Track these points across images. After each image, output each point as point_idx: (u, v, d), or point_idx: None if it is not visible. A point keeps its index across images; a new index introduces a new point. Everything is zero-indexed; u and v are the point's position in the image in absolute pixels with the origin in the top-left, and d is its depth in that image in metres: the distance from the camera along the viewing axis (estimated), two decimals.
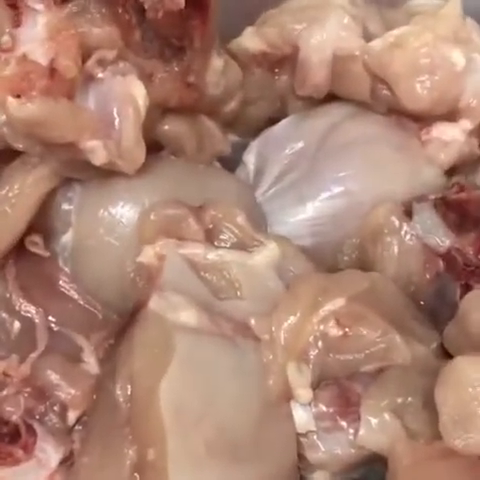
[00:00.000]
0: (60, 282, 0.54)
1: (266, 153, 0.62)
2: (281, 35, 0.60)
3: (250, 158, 0.62)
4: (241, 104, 0.60)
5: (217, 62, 0.56)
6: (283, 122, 0.63)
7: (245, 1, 0.63)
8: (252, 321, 0.50)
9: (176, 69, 0.54)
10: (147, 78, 0.53)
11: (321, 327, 0.49)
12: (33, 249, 0.55)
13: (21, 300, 0.53)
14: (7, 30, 0.52)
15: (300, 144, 0.61)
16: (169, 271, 0.51)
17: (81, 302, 0.54)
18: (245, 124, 0.64)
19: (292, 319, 0.50)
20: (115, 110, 0.52)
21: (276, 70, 0.62)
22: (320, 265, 0.56)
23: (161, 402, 0.44)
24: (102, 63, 0.52)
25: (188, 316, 0.48)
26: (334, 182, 0.59)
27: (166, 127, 0.56)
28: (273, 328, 0.50)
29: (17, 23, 0.52)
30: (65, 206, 0.55)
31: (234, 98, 0.59)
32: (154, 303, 0.48)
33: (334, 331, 0.49)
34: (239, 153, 0.63)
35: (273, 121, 0.64)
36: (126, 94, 0.52)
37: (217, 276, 0.52)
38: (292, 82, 0.61)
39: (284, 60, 0.61)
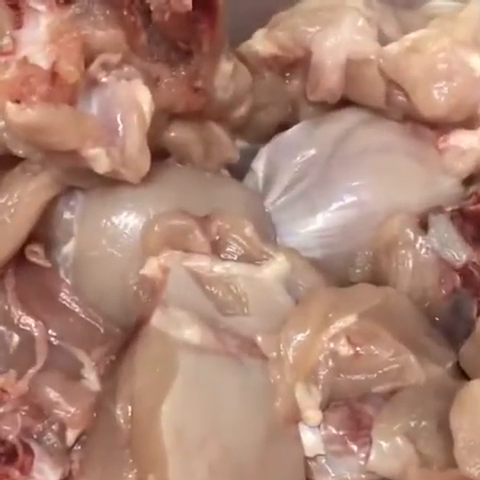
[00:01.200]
0: (61, 294, 0.52)
1: (276, 160, 0.60)
2: (293, 38, 0.58)
3: (259, 165, 0.60)
4: (250, 109, 0.58)
5: (226, 66, 0.54)
6: (294, 128, 0.61)
7: (255, 3, 0.61)
8: (259, 338, 0.48)
9: (183, 73, 0.52)
10: (153, 83, 0.51)
11: (331, 345, 0.47)
12: (33, 259, 0.53)
13: (20, 312, 0.51)
14: (8, 32, 0.50)
15: (312, 151, 0.59)
16: (173, 285, 0.49)
17: (82, 315, 0.52)
18: (254, 130, 0.61)
19: (301, 336, 0.48)
20: (119, 116, 0.50)
21: (287, 74, 0.60)
22: (331, 278, 0.54)
23: (162, 424, 0.43)
24: (106, 67, 0.50)
25: (192, 333, 0.46)
26: (347, 192, 0.56)
27: (172, 134, 0.54)
28: (281, 346, 0.47)
29: (18, 25, 0.50)
30: (67, 215, 0.53)
31: (243, 103, 0.57)
32: (157, 319, 0.46)
33: (345, 350, 0.47)
34: (248, 160, 0.61)
35: (283, 127, 0.62)
36: (131, 99, 0.50)
37: (223, 290, 0.50)
38: (304, 87, 0.59)
39: (296, 64, 0.59)
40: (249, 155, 0.61)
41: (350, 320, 0.48)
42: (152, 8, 0.49)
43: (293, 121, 0.61)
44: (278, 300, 0.50)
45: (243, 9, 0.57)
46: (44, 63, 0.48)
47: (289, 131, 0.61)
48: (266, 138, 0.62)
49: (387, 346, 0.48)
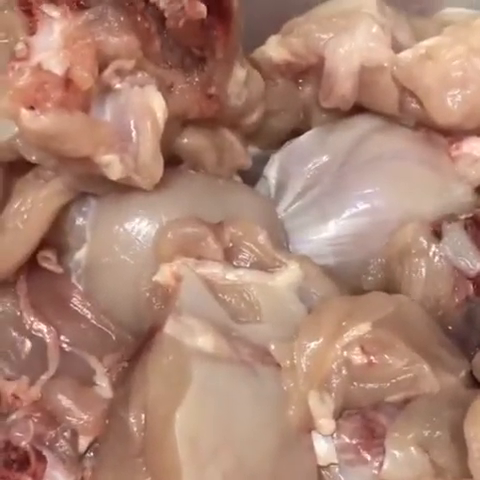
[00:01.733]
0: (73, 300, 0.52)
1: (288, 167, 0.59)
2: (306, 44, 0.57)
3: (271, 172, 0.60)
4: (263, 116, 0.58)
5: (239, 73, 0.54)
6: (306, 135, 0.61)
7: (269, 8, 0.61)
8: (272, 346, 0.47)
9: (197, 80, 0.51)
10: (166, 89, 0.50)
11: (345, 354, 0.47)
12: (45, 265, 0.53)
13: (32, 318, 0.51)
14: (21, 38, 0.50)
15: (324, 158, 0.58)
16: (186, 292, 0.49)
17: (94, 322, 0.52)
18: (266, 136, 0.61)
19: (314, 345, 0.47)
20: (133, 123, 0.50)
21: (300, 81, 0.60)
22: (343, 286, 0.53)
23: (176, 433, 0.42)
24: (120, 73, 0.50)
25: (205, 341, 0.46)
26: (359, 199, 0.56)
27: (185, 140, 0.53)
28: (294, 354, 0.47)
29: (32, 31, 0.50)
30: (79, 221, 0.53)
31: (256, 110, 0.57)
32: (170, 327, 0.46)
33: (358, 358, 0.47)
34: (260, 166, 0.61)
35: (296, 133, 0.61)
36: (144, 106, 0.50)
37: (236, 298, 0.49)
38: (316, 93, 0.58)
39: (309, 70, 0.58)
40: (261, 161, 0.61)
41: (364, 329, 0.48)
42: (166, 14, 0.49)
43: (305, 128, 0.61)
44: (291, 308, 0.50)
45: (256, 14, 0.57)
46: (58, 69, 0.47)
47: (301, 138, 0.61)
48: (278, 144, 0.62)
49: (401, 355, 0.48)
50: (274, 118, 0.60)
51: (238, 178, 0.59)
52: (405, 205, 0.56)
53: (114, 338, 0.52)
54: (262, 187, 0.60)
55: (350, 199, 0.56)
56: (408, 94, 0.56)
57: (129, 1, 0.50)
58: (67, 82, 0.47)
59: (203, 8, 0.48)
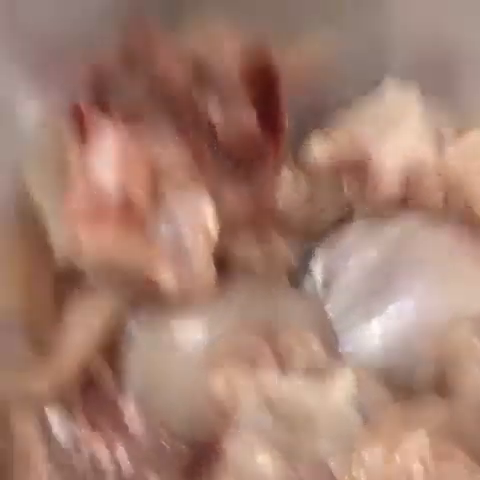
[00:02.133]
0: (126, 412, 0.52)
1: (333, 263, 0.59)
2: (351, 141, 0.57)
3: (317, 268, 0.60)
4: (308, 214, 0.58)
5: (287, 177, 0.54)
6: (351, 228, 0.60)
7: (310, 102, 0.61)
8: (331, 462, 0.47)
9: (247, 191, 0.52)
10: (218, 201, 0.51)
11: (405, 465, 0.47)
12: (98, 377, 0.53)
13: (89, 434, 0.50)
14: (73, 152, 0.50)
15: (370, 254, 0.58)
16: (243, 405, 0.48)
17: (148, 434, 0.51)
18: (310, 230, 0.61)
19: (373, 458, 0.47)
20: (186, 236, 0.50)
21: (344, 178, 0.60)
22: (394, 389, 0.53)
23: None
24: (172, 186, 0.50)
25: (263, 459, 0.46)
26: (406, 297, 0.56)
27: (236, 250, 0.54)
28: (353, 469, 0.47)
29: (84, 143, 0.50)
30: (131, 331, 0.53)
31: (302, 210, 0.57)
32: (230, 446, 0.46)
33: (419, 471, 0.47)
34: (303, 260, 0.61)
35: (339, 225, 0.61)
36: (197, 219, 0.50)
37: (292, 410, 0.49)
38: (361, 189, 0.59)
39: (353, 168, 0.59)
40: (305, 254, 0.61)
41: (422, 438, 0.48)
42: (218, 129, 0.50)
43: (349, 220, 0.61)
44: (348, 419, 0.50)
45: (297, 108, 0.57)
46: (113, 187, 0.48)
47: (346, 232, 0.60)
48: (321, 237, 0.62)
49: (461, 466, 0.47)
50: (318, 214, 0.60)
51: (285, 278, 0.58)
52: (455, 304, 0.55)
53: (169, 450, 0.51)
54: (308, 284, 0.60)
55: (396, 297, 0.56)
56: (454, 191, 0.57)
57: (181, 113, 0.50)
58: (123, 200, 0.47)
59: (255, 124, 0.48)
